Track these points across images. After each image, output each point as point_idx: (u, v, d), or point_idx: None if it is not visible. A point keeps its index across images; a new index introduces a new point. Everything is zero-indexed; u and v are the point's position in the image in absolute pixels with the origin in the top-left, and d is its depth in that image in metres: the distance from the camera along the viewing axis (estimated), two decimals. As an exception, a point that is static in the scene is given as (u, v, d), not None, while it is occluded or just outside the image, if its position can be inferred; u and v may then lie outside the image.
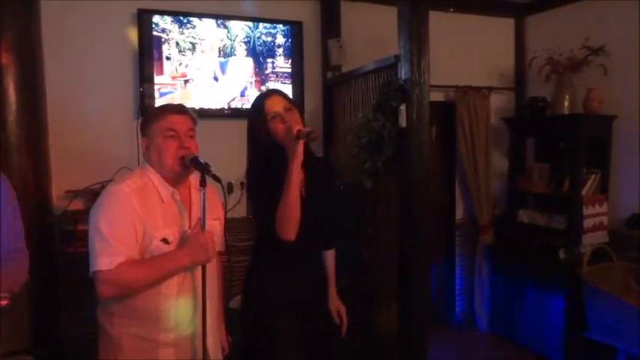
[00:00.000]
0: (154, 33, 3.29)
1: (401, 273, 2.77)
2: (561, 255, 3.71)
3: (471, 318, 4.47)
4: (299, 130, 1.81)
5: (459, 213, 4.46)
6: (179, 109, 1.73)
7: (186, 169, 1.68)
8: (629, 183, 3.70)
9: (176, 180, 1.70)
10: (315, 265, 2.13)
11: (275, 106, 1.93)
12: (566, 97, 3.86)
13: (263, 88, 3.60)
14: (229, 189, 3.39)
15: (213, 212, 1.77)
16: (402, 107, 2.71)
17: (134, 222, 1.58)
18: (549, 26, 4.34)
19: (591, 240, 3.67)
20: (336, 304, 2.18)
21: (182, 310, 1.67)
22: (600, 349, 3.35)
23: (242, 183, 3.28)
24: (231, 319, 2.29)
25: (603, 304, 3.33)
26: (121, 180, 1.66)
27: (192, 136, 1.70)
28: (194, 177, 1.74)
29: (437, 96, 4.10)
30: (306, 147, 1.93)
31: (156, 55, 3.29)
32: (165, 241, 1.62)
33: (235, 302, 3.05)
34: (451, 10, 4.23)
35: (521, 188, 4.27)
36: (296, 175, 1.82)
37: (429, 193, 2.75)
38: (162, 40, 3.31)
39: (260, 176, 1.95)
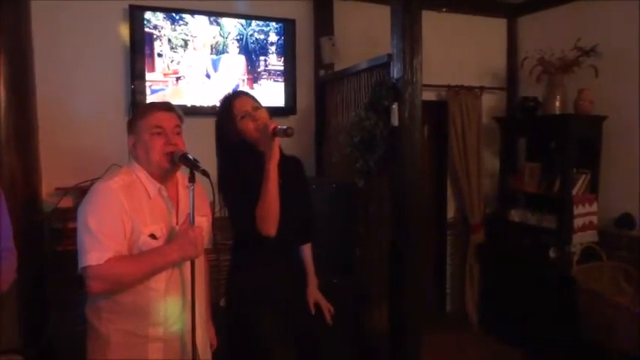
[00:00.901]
0: (146, 29, 3.26)
1: (393, 272, 2.77)
2: (552, 254, 3.73)
3: (462, 317, 4.48)
4: (275, 128, 1.84)
5: (451, 212, 4.48)
6: (165, 107, 1.75)
7: (174, 165, 1.69)
8: (618, 183, 3.74)
9: (163, 176, 1.72)
10: (295, 260, 2.18)
11: (244, 105, 1.98)
12: (558, 97, 3.87)
13: (255, 85, 3.60)
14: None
15: (201, 209, 1.79)
16: (395, 106, 2.71)
17: (122, 218, 1.59)
18: (541, 27, 4.36)
19: (581, 239, 3.69)
20: (314, 296, 2.20)
21: (171, 304, 1.68)
22: (590, 347, 3.37)
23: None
24: (221, 318, 2.29)
25: (593, 304, 3.35)
26: (108, 177, 1.68)
27: (178, 133, 1.73)
28: (181, 174, 1.78)
29: (429, 95, 4.11)
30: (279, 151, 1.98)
31: (147, 52, 3.27)
32: (152, 236, 1.63)
33: (225, 301, 3.05)
34: (444, 9, 4.24)
35: (512, 188, 4.28)
36: (273, 173, 1.87)
37: (421, 192, 2.75)
38: (154, 36, 3.29)
39: (235, 176, 1.97)
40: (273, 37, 3.68)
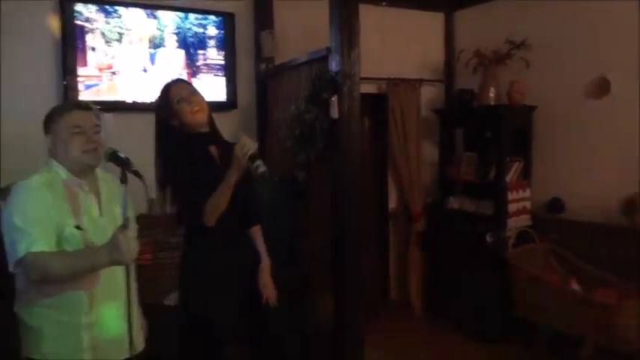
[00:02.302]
0: (77, 22, 3.14)
1: (334, 263, 2.81)
2: (488, 239, 3.88)
3: (406, 304, 4.59)
4: (253, 155, 1.88)
5: (392, 202, 4.56)
6: (83, 106, 1.81)
7: (98, 162, 1.75)
8: (548, 169, 3.93)
9: (84, 172, 1.75)
10: (245, 246, 2.23)
11: (180, 91, 2.09)
12: (492, 89, 4.03)
13: (195, 80, 3.54)
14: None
15: (119, 200, 1.80)
16: (334, 99, 2.74)
17: (48, 212, 1.61)
18: (476, 21, 4.50)
19: (516, 224, 3.87)
20: (263, 279, 2.25)
21: (101, 289, 1.70)
22: (526, 326, 3.54)
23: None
24: (166, 317, 2.27)
25: (526, 284, 3.52)
26: (28, 177, 1.69)
27: (97, 132, 1.77)
28: (99, 169, 1.84)
29: (369, 88, 4.17)
30: (217, 132, 2.17)
31: (79, 46, 3.15)
32: (78, 227, 1.66)
33: (170, 299, 3.00)
34: (383, 3, 4.30)
35: (450, 176, 4.42)
36: (233, 180, 1.93)
37: (360, 184, 2.80)
38: (86, 29, 3.17)
39: (180, 164, 2.02)
40: (212, 31, 3.63)
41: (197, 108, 2.07)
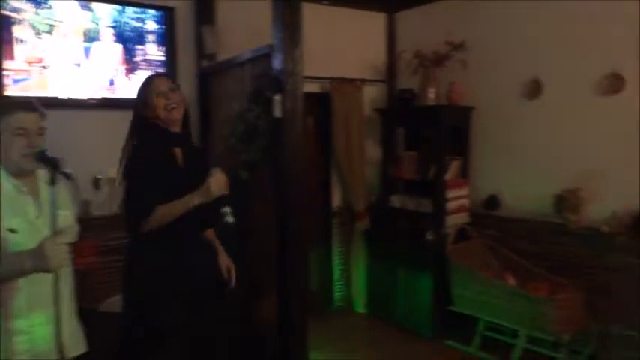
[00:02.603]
0: (3, 12, 2.96)
1: (278, 262, 2.79)
2: (428, 236, 3.98)
3: (350, 302, 4.64)
4: (225, 196, 1.99)
5: (337, 201, 4.59)
6: (29, 107, 1.71)
7: (37, 165, 1.67)
8: (486, 168, 4.07)
9: (22, 174, 1.69)
10: (198, 247, 2.19)
11: (161, 84, 2.10)
12: (431, 89, 4.12)
13: (133, 76, 3.43)
14: (96, 185, 3.17)
15: (64, 203, 1.75)
16: (277, 97, 2.71)
17: None
18: (417, 22, 4.59)
19: (455, 221, 3.98)
20: (224, 261, 2.29)
21: (33, 295, 1.65)
22: (464, 320, 3.66)
23: (111, 179, 3.05)
24: (102, 323, 2.19)
25: (465, 279, 3.64)
26: None
27: (41, 134, 1.70)
28: (40, 170, 1.76)
29: (313, 87, 4.17)
30: (188, 134, 2.18)
31: (6, 38, 2.97)
32: (12, 231, 1.60)
33: (108, 305, 2.88)
34: (325, 2, 4.31)
35: (392, 175, 4.49)
36: (194, 205, 1.97)
37: (303, 182, 2.79)
38: (13, 20, 3.00)
39: (140, 163, 2.00)
40: (151, 26, 3.52)
41: (173, 105, 2.06)
